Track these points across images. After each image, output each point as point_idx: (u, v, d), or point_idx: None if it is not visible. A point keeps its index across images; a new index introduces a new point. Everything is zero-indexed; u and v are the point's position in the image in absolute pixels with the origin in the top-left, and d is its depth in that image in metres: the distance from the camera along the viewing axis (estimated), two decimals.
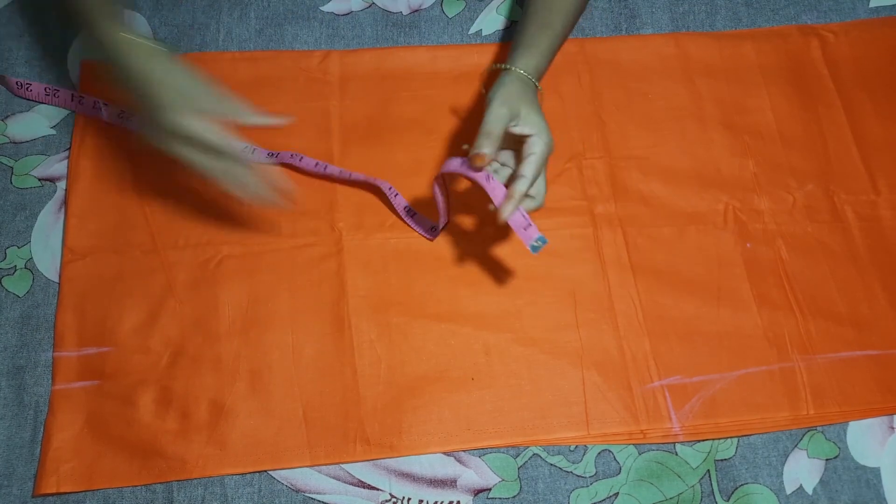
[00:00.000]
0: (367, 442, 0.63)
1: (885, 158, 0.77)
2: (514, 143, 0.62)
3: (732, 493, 0.63)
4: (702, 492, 0.63)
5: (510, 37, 0.82)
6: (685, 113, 0.78)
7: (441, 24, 0.82)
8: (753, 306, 0.70)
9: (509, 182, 0.61)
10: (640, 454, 0.64)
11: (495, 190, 0.60)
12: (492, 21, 0.83)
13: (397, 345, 0.67)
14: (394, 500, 0.62)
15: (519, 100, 0.61)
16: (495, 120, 0.60)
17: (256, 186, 0.61)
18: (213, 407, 0.64)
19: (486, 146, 0.59)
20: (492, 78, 0.66)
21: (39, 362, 0.66)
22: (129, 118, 0.73)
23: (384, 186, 0.71)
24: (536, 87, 0.65)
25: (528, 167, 0.59)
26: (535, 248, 0.58)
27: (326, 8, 0.82)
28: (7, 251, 0.70)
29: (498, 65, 0.66)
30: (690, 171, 0.76)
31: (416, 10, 0.83)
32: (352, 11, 0.82)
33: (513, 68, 0.64)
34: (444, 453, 0.64)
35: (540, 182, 0.61)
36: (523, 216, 0.59)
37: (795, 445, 0.65)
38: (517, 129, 0.61)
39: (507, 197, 0.59)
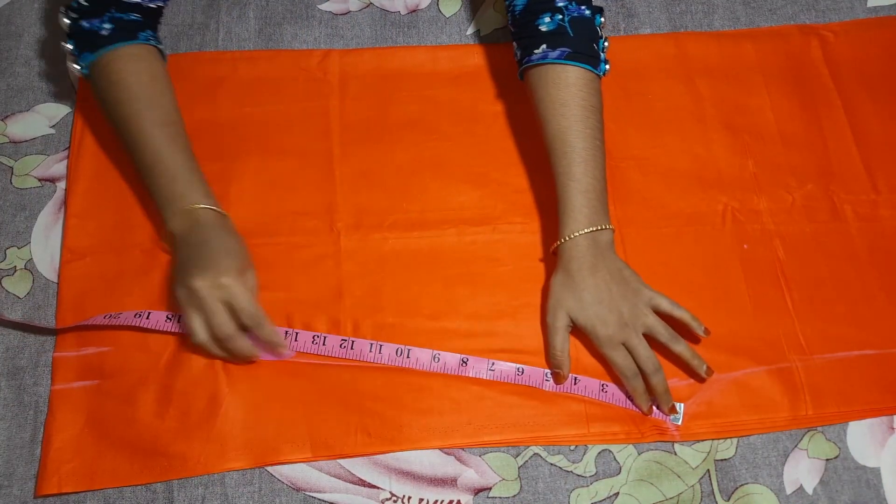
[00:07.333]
0: (367, 434, 0.64)
1: (885, 158, 0.77)
2: None
3: (732, 493, 0.63)
4: (702, 492, 0.63)
5: (509, 37, 0.82)
6: (685, 113, 0.78)
7: (439, 24, 0.82)
8: (751, 307, 0.70)
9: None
10: (639, 454, 0.64)
11: (612, 398, 0.65)
12: (489, 21, 0.83)
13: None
14: (394, 498, 0.62)
15: (565, 299, 0.65)
16: (558, 343, 0.65)
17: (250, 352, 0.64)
18: (213, 404, 0.64)
19: (563, 367, 0.65)
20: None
21: (39, 362, 0.66)
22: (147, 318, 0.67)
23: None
24: (600, 229, 0.65)
25: (616, 367, 0.64)
26: (676, 419, 0.65)
27: (324, 7, 0.82)
28: (7, 252, 0.70)
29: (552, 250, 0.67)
30: (690, 172, 0.75)
31: (414, 10, 0.83)
32: (350, 11, 0.82)
33: (557, 249, 0.66)
34: (445, 452, 0.64)
35: (640, 353, 0.64)
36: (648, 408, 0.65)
37: (795, 445, 0.65)
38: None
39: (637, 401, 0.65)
